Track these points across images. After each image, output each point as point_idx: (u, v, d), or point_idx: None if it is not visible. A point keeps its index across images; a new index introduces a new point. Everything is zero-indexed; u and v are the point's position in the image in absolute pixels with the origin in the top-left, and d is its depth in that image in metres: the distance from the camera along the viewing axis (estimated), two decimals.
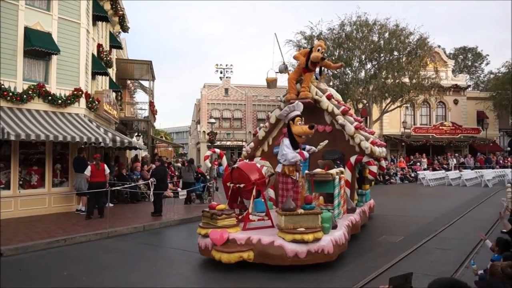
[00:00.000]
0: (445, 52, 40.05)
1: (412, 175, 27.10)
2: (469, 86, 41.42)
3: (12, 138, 10.67)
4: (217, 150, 9.80)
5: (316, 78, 10.52)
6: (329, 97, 9.95)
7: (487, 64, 52.61)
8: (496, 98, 35.98)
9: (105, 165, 12.36)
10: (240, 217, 7.66)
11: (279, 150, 7.82)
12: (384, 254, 7.65)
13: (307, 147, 8.27)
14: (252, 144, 10.86)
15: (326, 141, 8.57)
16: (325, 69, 11.72)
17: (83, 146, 13.13)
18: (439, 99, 35.26)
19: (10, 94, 11.78)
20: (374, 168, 9.64)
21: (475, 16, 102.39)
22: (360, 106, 30.31)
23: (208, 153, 9.83)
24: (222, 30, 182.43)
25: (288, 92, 10.15)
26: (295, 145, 7.52)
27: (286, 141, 7.60)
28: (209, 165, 9.90)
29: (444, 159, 31.16)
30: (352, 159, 9.50)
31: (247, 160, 9.68)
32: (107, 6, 17.45)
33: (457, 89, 36.49)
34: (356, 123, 9.59)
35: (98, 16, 15.93)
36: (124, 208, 13.99)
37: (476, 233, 8.76)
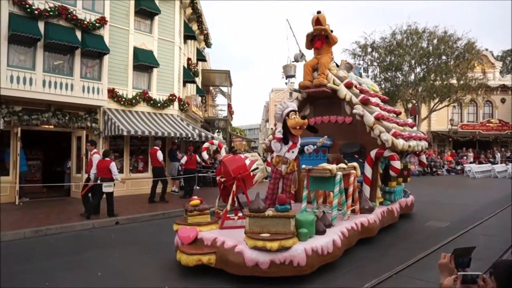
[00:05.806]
0: (492, 55, 36.18)
1: (458, 167, 25.07)
2: None
3: (125, 133, 11.61)
4: (215, 141, 7.76)
5: (337, 65, 8.73)
6: (349, 85, 7.85)
7: None
8: None
9: (197, 156, 13.01)
10: (221, 214, 6.29)
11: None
12: (431, 237, 7.21)
13: (305, 147, 6.64)
14: (271, 137, 8.70)
15: (325, 137, 6.87)
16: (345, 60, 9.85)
17: (176, 140, 13.90)
18: (486, 98, 31.91)
19: (123, 99, 12.82)
20: (397, 164, 7.46)
21: None
22: (410, 106, 28.61)
23: (206, 144, 7.57)
24: (288, 37, 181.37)
25: (303, 78, 8.25)
26: (287, 139, 6.06)
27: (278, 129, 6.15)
28: (207, 157, 7.91)
29: (490, 153, 28.39)
30: (372, 153, 7.56)
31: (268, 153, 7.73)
32: (194, 27, 18.19)
33: (504, 88, 32.72)
34: (377, 112, 7.48)
35: (188, 35, 16.67)
36: (208, 190, 14.55)
37: None
